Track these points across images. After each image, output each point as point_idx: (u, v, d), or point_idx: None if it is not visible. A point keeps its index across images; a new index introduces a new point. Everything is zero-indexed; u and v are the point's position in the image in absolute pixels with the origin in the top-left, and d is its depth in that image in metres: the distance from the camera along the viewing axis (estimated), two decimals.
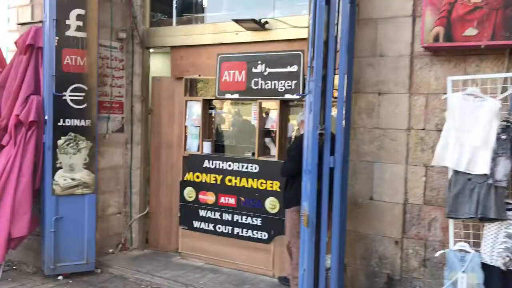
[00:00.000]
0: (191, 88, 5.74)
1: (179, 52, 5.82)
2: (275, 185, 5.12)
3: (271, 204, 5.17)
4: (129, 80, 5.98)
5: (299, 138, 4.79)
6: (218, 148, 5.82)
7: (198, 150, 5.66)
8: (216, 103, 5.74)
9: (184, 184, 5.72)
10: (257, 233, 5.27)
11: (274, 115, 5.21)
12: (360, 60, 3.97)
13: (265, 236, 5.23)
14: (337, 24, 3.51)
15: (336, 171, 3.51)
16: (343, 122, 3.71)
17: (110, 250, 5.89)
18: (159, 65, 6.47)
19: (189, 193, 5.69)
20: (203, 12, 5.91)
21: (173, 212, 6.01)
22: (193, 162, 5.66)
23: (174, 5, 6.02)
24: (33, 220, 5.05)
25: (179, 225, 5.80)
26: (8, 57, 5.88)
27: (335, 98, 3.59)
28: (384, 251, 3.98)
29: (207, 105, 5.70)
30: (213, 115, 5.77)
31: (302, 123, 4.80)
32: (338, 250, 3.59)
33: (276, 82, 5.09)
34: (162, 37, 5.92)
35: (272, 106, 5.26)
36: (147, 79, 6.10)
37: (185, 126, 5.76)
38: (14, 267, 5.47)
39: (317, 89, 3.45)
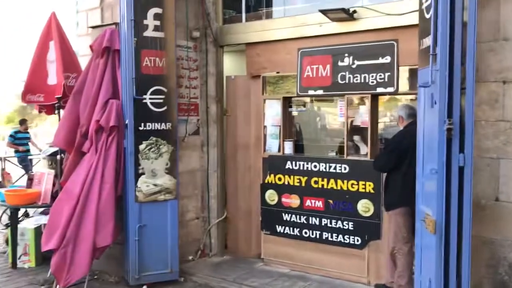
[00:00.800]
0: (269, 86, 5.45)
1: (255, 49, 5.55)
2: (368, 186, 4.77)
3: (364, 207, 4.82)
4: (203, 81, 5.76)
5: (399, 134, 4.45)
6: (298, 148, 5.49)
7: (279, 150, 5.36)
8: (297, 100, 5.42)
9: (265, 186, 5.44)
10: (348, 237, 4.93)
11: (364, 110, 4.85)
12: (479, 45, 3.55)
13: (358, 241, 4.88)
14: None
15: (467, 170, 3.13)
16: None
17: (190, 257, 5.69)
18: (230, 63, 6.21)
19: (271, 196, 5.41)
20: (279, 5, 5.60)
21: (252, 216, 5.75)
22: (274, 164, 5.37)
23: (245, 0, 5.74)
24: (116, 228, 4.89)
25: (261, 230, 5.52)
26: (79, 62, 5.78)
27: None
28: None
29: (287, 103, 5.40)
30: (293, 113, 5.47)
31: (400, 118, 4.46)
32: (469, 258, 3.21)
33: (366, 75, 4.74)
34: (236, 34, 5.66)
35: (362, 101, 4.90)
36: (222, 79, 5.87)
37: (264, 126, 5.47)
38: (96, 277, 5.32)
39: (443, 79, 3.08)
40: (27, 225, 5.89)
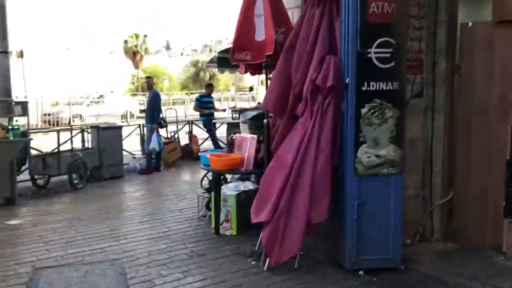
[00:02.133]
0: None
1: None
2: None
3: None
4: (430, 31, 4.73)
5: None
6: None
7: None
8: None
9: None
10: None
11: None
12: None
13: None
14: None
15: None
16: None
17: (408, 241, 4.86)
18: (464, 9, 5.03)
19: None
20: None
21: (489, 199, 4.66)
22: None
23: None
24: (331, 203, 4.29)
25: (504, 217, 4.42)
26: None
27: None
28: None
29: None
30: None
31: None
32: None
33: None
34: None
35: None
36: (455, 28, 4.76)
37: None
38: (301, 253, 4.83)
39: None
40: (228, 191, 5.67)
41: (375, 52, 4.08)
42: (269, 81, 5.01)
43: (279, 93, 4.49)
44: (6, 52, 7.72)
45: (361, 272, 4.30)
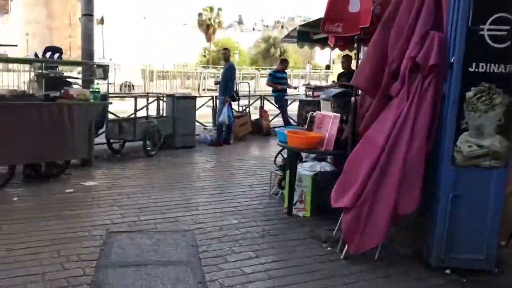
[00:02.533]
0: None
1: None
2: None
3: None
4: None
5: None
6: None
7: None
8: None
9: None
10: None
11: None
12: None
13: None
14: None
15: None
16: None
17: (502, 242, 4.40)
18: None
19: None
20: None
21: None
22: None
23: None
24: (421, 193, 3.93)
25: None
26: None
27: None
28: None
29: None
30: None
31: None
32: None
33: None
34: None
35: None
36: None
37: None
38: (382, 244, 4.51)
39: None
40: (303, 171, 5.42)
41: (489, 29, 3.61)
42: (359, 58, 4.65)
43: (373, 69, 4.12)
44: (91, 15, 7.83)
45: (447, 271, 3.94)
